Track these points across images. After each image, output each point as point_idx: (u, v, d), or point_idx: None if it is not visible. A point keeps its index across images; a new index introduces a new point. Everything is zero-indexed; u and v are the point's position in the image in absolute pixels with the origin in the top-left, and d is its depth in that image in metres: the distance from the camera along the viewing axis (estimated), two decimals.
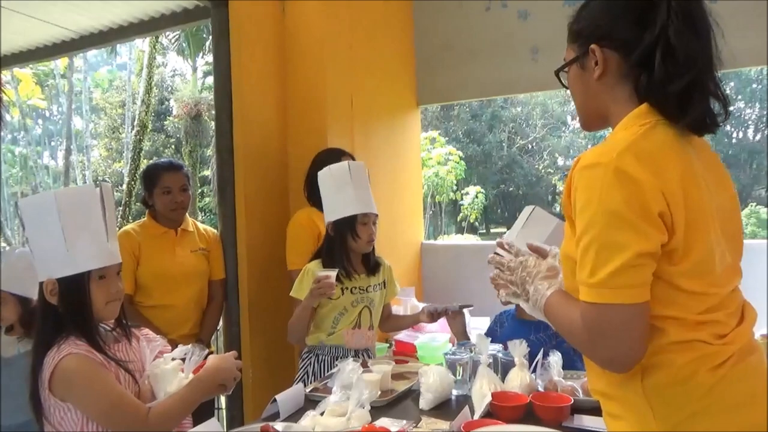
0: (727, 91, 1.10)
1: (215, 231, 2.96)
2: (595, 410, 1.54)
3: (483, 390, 1.78)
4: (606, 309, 0.98)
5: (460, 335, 2.38)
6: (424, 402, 1.82)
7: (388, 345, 3.15)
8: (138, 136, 13.74)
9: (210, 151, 15.62)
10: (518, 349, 1.88)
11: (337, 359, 2.23)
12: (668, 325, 1.01)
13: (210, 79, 15.98)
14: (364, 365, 2.03)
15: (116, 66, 21.82)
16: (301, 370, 2.36)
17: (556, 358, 1.90)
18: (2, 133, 15.10)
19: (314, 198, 2.63)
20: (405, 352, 2.91)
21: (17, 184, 18.91)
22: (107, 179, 17.46)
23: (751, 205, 16.14)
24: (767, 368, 1.07)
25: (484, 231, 20.30)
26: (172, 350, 1.67)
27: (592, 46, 1.11)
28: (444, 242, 7.66)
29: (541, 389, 1.83)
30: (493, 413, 1.69)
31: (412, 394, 1.94)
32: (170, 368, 1.59)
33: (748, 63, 3.24)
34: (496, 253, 1.33)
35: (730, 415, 1.00)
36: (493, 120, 19.90)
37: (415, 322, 2.58)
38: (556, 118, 20.51)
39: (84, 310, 1.52)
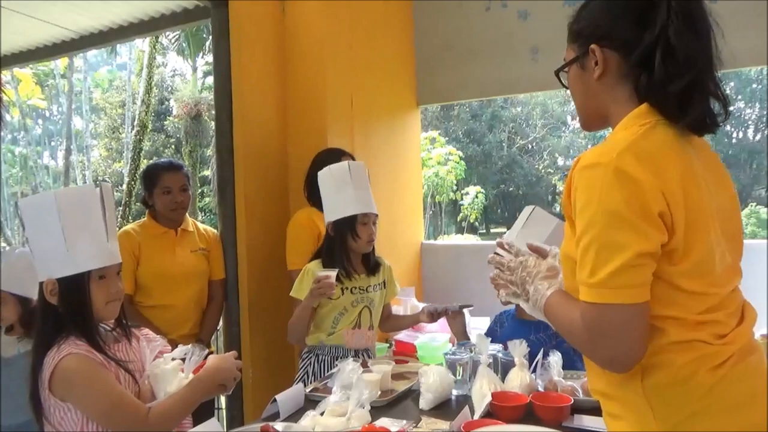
0: (727, 91, 1.10)
1: (215, 231, 2.96)
2: (595, 410, 1.54)
3: (483, 390, 1.78)
4: (606, 309, 0.98)
5: (460, 335, 2.38)
6: (424, 402, 1.82)
7: (388, 345, 3.15)
8: (138, 136, 13.74)
9: (210, 151, 15.62)
10: (518, 349, 1.88)
11: (337, 359, 2.23)
12: (668, 325, 1.01)
13: (210, 79, 15.99)
14: (364, 365, 2.03)
15: (116, 66, 21.82)
16: (301, 370, 2.36)
17: (556, 358, 1.90)
18: (2, 133, 15.10)
19: (314, 198, 2.63)
20: (405, 352, 2.91)
21: (17, 184, 18.92)
22: (107, 179, 17.46)
23: (751, 205, 16.14)
24: (767, 368, 1.07)
25: (484, 231, 20.30)
26: (172, 350, 1.67)
27: (592, 46, 1.11)
28: (444, 242, 7.66)
29: (541, 389, 1.83)
30: (493, 413, 1.69)
31: (412, 394, 1.94)
32: (170, 368, 1.59)
33: (748, 63, 3.24)
34: (496, 253, 1.33)
35: (730, 415, 1.00)
36: (493, 120, 19.91)
37: (415, 322, 2.58)
38: (556, 118, 20.52)
39: (84, 310, 1.52)
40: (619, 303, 0.97)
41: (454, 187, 14.02)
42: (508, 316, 2.35)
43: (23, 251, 2.06)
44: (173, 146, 18.39)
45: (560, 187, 19.80)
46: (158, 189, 2.69)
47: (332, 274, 2.19)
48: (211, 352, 1.79)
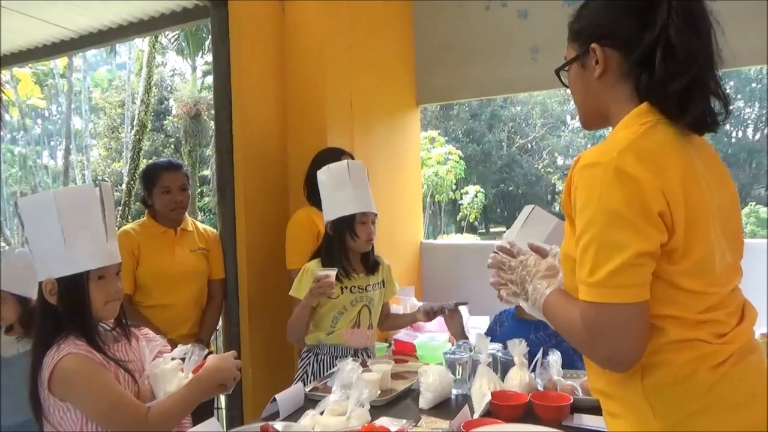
0: (727, 90, 1.09)
1: (215, 231, 2.96)
2: (595, 409, 1.54)
3: (482, 389, 1.78)
4: (605, 308, 0.98)
5: (458, 336, 2.39)
6: (424, 401, 1.82)
7: (387, 344, 3.16)
8: (137, 136, 13.73)
9: (209, 151, 15.61)
10: (518, 348, 1.88)
11: (336, 358, 2.24)
12: (668, 324, 1.01)
13: (209, 79, 15.98)
14: (364, 365, 2.03)
15: (115, 65, 21.81)
16: (301, 369, 2.36)
17: (555, 358, 1.90)
18: (1, 133, 15.11)
19: (314, 197, 2.63)
20: (404, 352, 2.91)
21: (16, 184, 18.91)
22: (107, 179, 17.45)
23: (751, 205, 16.15)
24: (767, 367, 1.07)
25: (484, 230, 20.29)
26: (172, 350, 1.67)
27: (593, 45, 1.11)
28: (443, 242, 7.66)
29: (540, 388, 1.83)
30: (492, 412, 1.69)
31: (412, 393, 1.94)
32: (170, 368, 1.59)
33: (747, 62, 3.24)
34: (495, 253, 1.33)
35: (729, 414, 1.00)
36: (492, 119, 19.90)
37: (412, 321, 2.58)
38: (556, 117, 20.51)
39: (83, 310, 1.52)
40: (618, 302, 0.97)
41: (454, 187, 14.02)
42: (508, 316, 2.35)
43: (23, 251, 2.06)
44: (173, 146, 18.38)
45: (560, 186, 19.80)
46: (158, 188, 2.68)
47: (332, 273, 2.19)
48: (210, 352, 1.79)
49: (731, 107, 1.10)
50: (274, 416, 1.74)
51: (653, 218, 0.96)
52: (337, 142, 2.97)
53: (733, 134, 19.55)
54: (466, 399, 1.87)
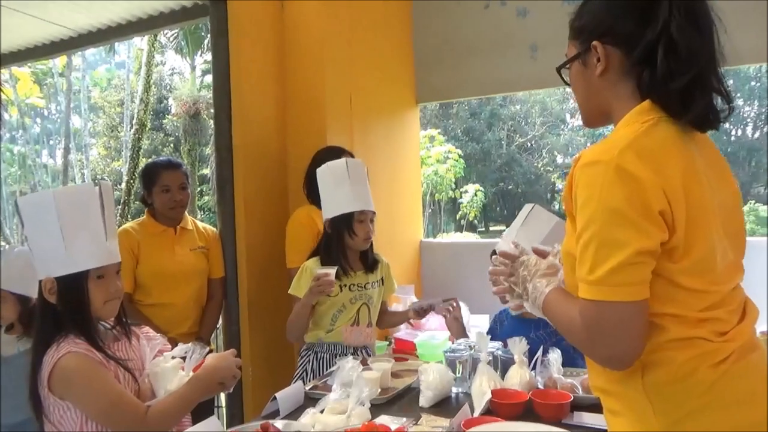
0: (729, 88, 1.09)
1: (214, 229, 2.96)
2: (595, 407, 1.54)
3: (483, 387, 1.78)
4: (605, 306, 0.98)
5: (459, 334, 2.39)
6: (424, 399, 1.82)
7: (387, 343, 3.16)
8: (137, 135, 13.72)
9: (209, 150, 15.60)
10: (518, 346, 1.88)
11: (336, 356, 2.24)
12: (668, 322, 1.01)
13: (209, 78, 15.96)
14: (364, 363, 2.03)
15: (115, 64, 21.78)
16: (300, 367, 2.36)
17: (555, 356, 1.90)
18: (1, 132, 15.09)
19: (314, 196, 2.63)
20: (405, 350, 2.92)
21: (16, 183, 18.89)
22: (106, 178, 17.44)
23: (750, 203, 16.15)
24: None
25: (483, 229, 20.30)
26: (172, 349, 1.67)
27: (594, 42, 1.11)
28: (443, 240, 7.66)
29: (540, 386, 1.84)
30: (492, 410, 1.70)
31: (412, 391, 1.94)
32: (170, 366, 1.59)
33: (748, 60, 3.24)
34: (494, 265, 1.33)
35: (729, 412, 1.00)
36: (492, 118, 19.89)
37: (405, 319, 2.60)
38: (555, 116, 20.51)
39: (82, 309, 1.52)
40: (618, 300, 0.96)
41: (453, 185, 14.03)
42: (508, 314, 2.36)
43: (22, 250, 2.06)
44: (172, 145, 18.37)
45: (559, 185, 19.81)
46: (157, 187, 2.68)
47: (331, 271, 2.19)
48: (211, 351, 1.79)
49: (733, 104, 1.10)
50: (275, 414, 1.74)
51: (654, 216, 0.96)
52: (337, 141, 2.97)
53: (733, 132, 19.55)
54: (466, 397, 1.87)
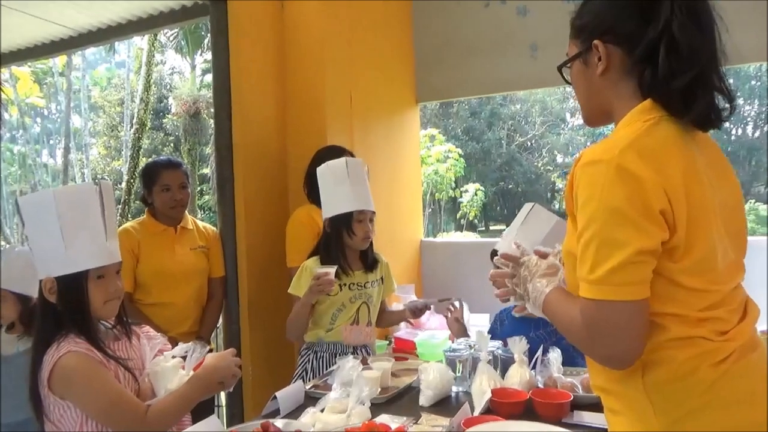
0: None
1: (215, 229, 2.96)
2: (595, 406, 1.55)
3: (483, 386, 1.78)
4: (605, 306, 0.98)
5: (459, 333, 2.40)
6: (424, 399, 1.82)
7: (387, 342, 3.16)
8: (137, 134, 13.73)
9: (209, 149, 15.60)
10: (518, 345, 1.88)
11: (335, 356, 2.24)
12: (669, 321, 1.01)
13: (209, 77, 15.97)
14: (364, 362, 2.03)
15: (115, 64, 21.78)
16: (300, 366, 2.36)
17: (555, 355, 1.90)
18: (1, 132, 15.09)
19: (314, 195, 2.63)
20: (405, 349, 2.92)
21: (16, 183, 18.90)
22: (106, 177, 17.43)
23: (750, 202, 16.16)
24: None
25: (484, 228, 20.30)
26: (172, 348, 1.67)
27: (596, 41, 1.10)
28: (443, 239, 7.66)
29: (540, 386, 1.84)
30: (492, 410, 1.70)
31: (412, 390, 1.94)
32: (170, 366, 1.59)
33: (748, 59, 3.24)
34: (496, 267, 1.33)
35: (729, 411, 1.00)
36: (492, 117, 19.89)
37: (402, 318, 2.60)
38: (555, 115, 20.50)
39: (82, 309, 1.52)
40: (618, 300, 0.96)
41: (453, 185, 14.04)
42: (508, 314, 2.36)
43: (23, 249, 2.06)
44: (172, 144, 18.37)
45: (559, 184, 19.81)
46: (157, 187, 2.68)
47: (331, 270, 2.19)
48: (211, 350, 1.79)
49: (735, 103, 1.09)
50: (275, 414, 1.74)
51: (654, 216, 0.96)
52: (337, 140, 2.97)
53: (733, 132, 19.55)
54: (466, 396, 1.87)
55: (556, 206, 18.50)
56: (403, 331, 3.17)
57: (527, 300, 1.23)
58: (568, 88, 1.21)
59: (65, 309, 1.51)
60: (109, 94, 19.68)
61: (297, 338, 2.42)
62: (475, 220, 17.81)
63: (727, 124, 1.10)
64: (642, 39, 1.05)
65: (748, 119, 19.68)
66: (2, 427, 1.94)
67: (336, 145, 2.83)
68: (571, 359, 1.96)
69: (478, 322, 3.09)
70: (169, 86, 19.66)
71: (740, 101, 18.60)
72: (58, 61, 15.65)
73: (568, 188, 1.07)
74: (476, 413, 1.66)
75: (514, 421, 1.60)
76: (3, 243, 14.02)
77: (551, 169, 20.65)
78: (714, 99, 1.06)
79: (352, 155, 2.68)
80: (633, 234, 0.95)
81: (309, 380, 2.19)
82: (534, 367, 1.90)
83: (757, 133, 19.60)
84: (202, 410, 1.63)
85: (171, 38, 17.35)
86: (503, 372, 1.90)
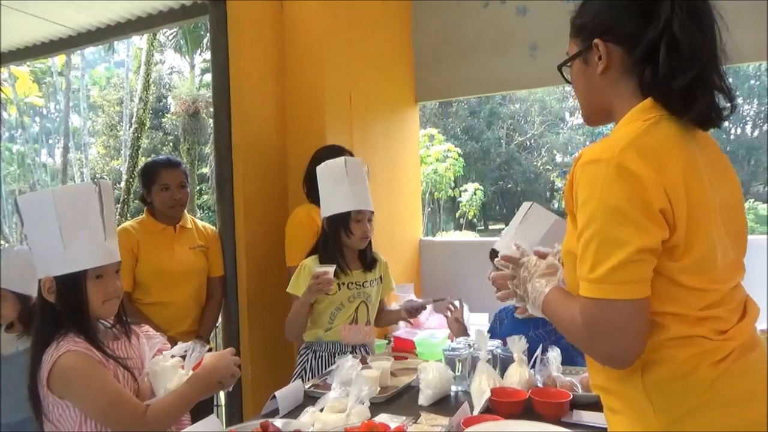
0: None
1: (214, 228, 2.96)
2: (594, 405, 1.55)
3: (482, 386, 1.78)
4: (606, 304, 0.97)
5: (459, 333, 2.40)
6: (424, 398, 1.82)
7: (387, 341, 3.16)
8: (136, 134, 13.72)
9: (208, 149, 15.60)
10: (517, 345, 1.88)
11: (334, 355, 2.24)
12: (669, 321, 1.01)
13: (208, 77, 15.95)
14: (363, 362, 2.03)
15: (114, 63, 21.75)
16: (299, 366, 2.36)
17: (555, 354, 1.90)
18: (0, 131, 15.08)
19: (313, 195, 2.63)
20: (404, 349, 2.92)
21: (15, 182, 18.87)
22: (105, 177, 17.43)
23: (750, 201, 16.17)
24: None
25: (483, 227, 20.30)
26: (171, 347, 1.67)
27: (596, 40, 1.10)
28: (442, 239, 7.66)
29: (540, 385, 1.84)
30: (492, 409, 1.70)
31: (412, 390, 1.94)
32: (170, 365, 1.59)
33: (748, 59, 3.24)
34: (497, 268, 1.33)
35: (729, 410, 1.00)
36: (491, 117, 19.90)
37: (399, 318, 2.61)
38: (555, 114, 20.51)
39: (81, 309, 1.52)
40: (619, 299, 0.96)
41: (453, 184, 14.05)
42: (508, 313, 2.36)
43: (22, 249, 2.06)
44: (171, 143, 18.36)
45: (559, 183, 19.81)
46: (156, 186, 2.68)
47: (330, 270, 2.19)
48: (210, 349, 1.79)
49: (736, 102, 1.09)
50: (274, 413, 1.74)
51: (654, 215, 0.96)
52: (336, 140, 2.97)
53: (732, 131, 19.56)
54: (465, 396, 1.87)
55: (556, 205, 18.51)
56: (402, 330, 3.17)
57: (527, 301, 1.23)
58: (568, 88, 1.21)
59: (64, 308, 1.51)
60: (108, 93, 19.67)
61: (296, 338, 2.42)
62: (475, 220, 17.82)
63: (726, 124, 1.10)
64: (642, 38, 1.05)
65: (747, 119, 19.69)
66: (2, 426, 1.94)
67: (335, 144, 2.83)
68: (570, 358, 1.96)
69: (478, 322, 3.09)
70: (168, 86, 19.66)
71: (739, 101, 18.61)
72: (57, 61, 15.64)
73: (567, 187, 1.07)
74: (475, 412, 1.66)
75: (514, 420, 1.60)
76: (2, 242, 14.02)
77: (550, 168, 20.66)
78: (714, 98, 1.06)
79: (351, 155, 2.68)
80: (633, 233, 0.95)
81: (308, 380, 2.19)
82: (533, 367, 1.90)
83: (756, 133, 19.62)
84: (201, 410, 1.63)
85: (170, 38, 17.35)
86: (502, 371, 1.90)
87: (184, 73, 20.04)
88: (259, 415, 1.76)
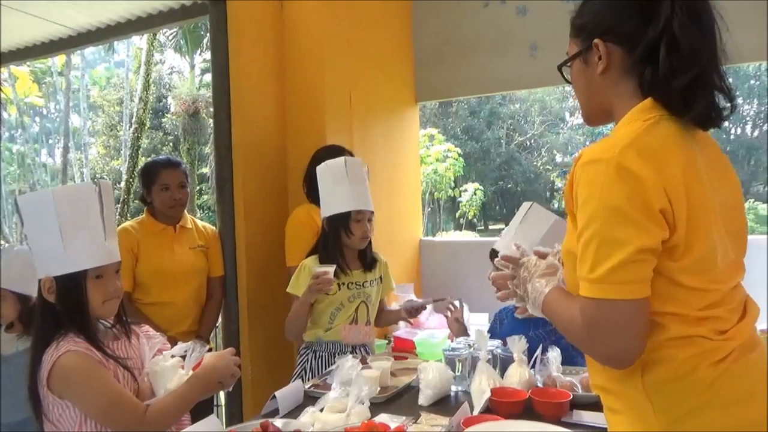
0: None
1: (214, 228, 2.96)
2: (594, 405, 1.55)
3: (482, 386, 1.78)
4: (606, 304, 0.97)
5: (460, 333, 2.40)
6: (424, 398, 1.82)
7: (387, 341, 3.16)
8: (136, 134, 13.72)
9: (208, 149, 15.60)
10: (517, 345, 1.88)
11: (334, 355, 2.24)
12: (669, 321, 1.01)
13: (208, 77, 15.95)
14: (363, 362, 2.03)
15: (114, 63, 21.75)
16: (299, 366, 2.36)
17: (555, 354, 1.90)
18: (0, 131, 15.08)
19: (313, 194, 2.63)
20: (404, 349, 2.92)
21: (15, 182, 18.87)
22: (105, 177, 17.43)
23: (750, 201, 16.17)
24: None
25: (483, 227, 20.31)
26: (171, 347, 1.67)
27: (596, 40, 1.10)
28: (442, 239, 7.66)
29: (540, 385, 1.84)
30: (492, 409, 1.70)
31: (412, 390, 1.94)
32: (170, 365, 1.59)
33: (748, 59, 3.24)
34: (497, 268, 1.33)
35: (729, 410, 1.00)
36: (491, 117, 19.89)
37: (398, 318, 2.61)
38: (555, 114, 20.51)
39: (81, 309, 1.52)
40: (619, 298, 0.96)
41: (453, 184, 14.05)
42: (508, 313, 2.36)
43: (22, 249, 2.06)
44: (171, 143, 18.36)
45: (558, 183, 19.81)
46: (156, 186, 2.68)
47: (330, 269, 2.19)
48: (210, 349, 1.78)
49: (736, 102, 1.09)
50: (274, 413, 1.74)
51: (654, 215, 0.96)
52: (336, 140, 2.97)
53: (732, 131, 19.56)
54: (465, 396, 1.87)
55: (555, 205, 18.50)
56: (402, 330, 3.17)
57: (527, 301, 1.23)
58: (568, 88, 1.21)
59: (64, 308, 1.51)
60: (108, 93, 19.67)
61: (296, 337, 2.42)
62: (474, 220, 17.82)
63: (726, 124, 1.10)
64: (642, 38, 1.05)
65: (747, 119, 19.69)
66: (2, 426, 1.94)
67: (335, 144, 2.83)
68: (570, 358, 1.96)
69: (478, 322, 3.09)
70: (168, 86, 19.66)
71: (739, 100, 18.60)
72: (57, 61, 15.64)
73: (567, 187, 1.07)
74: (475, 412, 1.66)
75: (514, 420, 1.60)
76: (2, 242, 14.02)
77: (550, 168, 20.66)
78: (714, 98, 1.06)
79: (351, 155, 2.68)
80: (633, 232, 0.95)
81: (308, 380, 2.19)
82: (533, 367, 1.90)
83: (756, 133, 19.62)
84: (201, 410, 1.63)
85: (170, 38, 17.35)
86: (502, 371, 1.90)
87: (184, 73, 20.04)
88: (259, 415, 1.76)
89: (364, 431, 1.48)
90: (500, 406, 1.69)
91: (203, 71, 18.34)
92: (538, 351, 1.92)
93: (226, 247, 2.91)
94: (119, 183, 14.60)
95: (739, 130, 19.97)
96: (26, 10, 3.33)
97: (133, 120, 14.11)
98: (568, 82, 1.20)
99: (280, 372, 2.86)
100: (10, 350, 2.03)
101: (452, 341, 2.21)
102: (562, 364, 1.90)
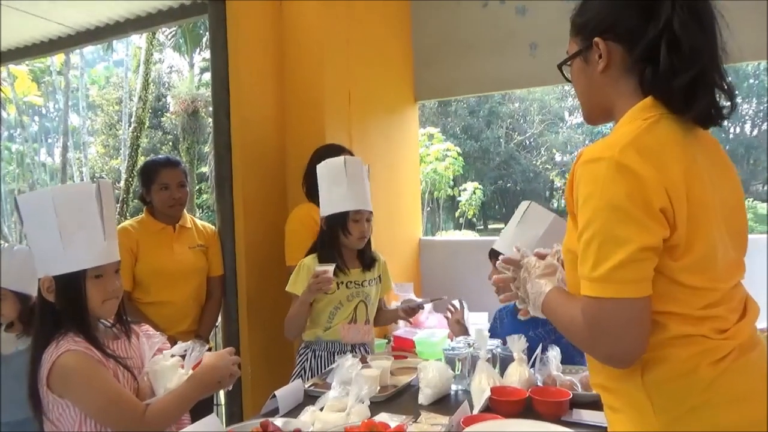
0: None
1: (213, 227, 2.96)
2: (594, 404, 1.55)
3: (482, 385, 1.78)
4: (608, 303, 0.97)
5: (460, 332, 2.40)
6: (424, 397, 1.82)
7: (386, 341, 3.16)
8: (135, 133, 13.70)
9: (207, 148, 15.58)
10: (517, 344, 1.88)
11: (334, 354, 2.24)
12: (669, 320, 1.01)
13: (207, 76, 15.92)
14: (363, 361, 2.03)
15: (113, 62, 21.71)
16: (298, 365, 2.37)
17: (554, 353, 1.90)
18: None
19: (313, 194, 2.63)
20: (404, 348, 2.92)
21: (14, 181, 18.85)
22: (105, 176, 17.42)
23: (749, 200, 16.17)
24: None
25: (482, 227, 20.30)
26: (171, 347, 1.67)
27: (596, 39, 1.10)
28: (442, 238, 7.66)
29: (539, 384, 1.84)
30: (492, 408, 1.70)
31: (412, 389, 1.94)
32: (169, 365, 1.59)
33: (748, 58, 3.24)
34: (500, 270, 1.33)
35: (729, 409, 1.00)
36: (490, 116, 19.88)
37: (396, 317, 2.61)
38: (554, 114, 20.50)
39: (80, 308, 1.52)
40: (621, 297, 0.96)
41: (452, 183, 14.04)
42: (508, 313, 2.36)
43: (22, 248, 2.07)
44: (171, 143, 18.34)
45: (558, 182, 19.81)
46: (156, 185, 2.68)
47: (330, 268, 2.19)
48: (210, 349, 1.78)
49: (737, 100, 1.09)
50: (274, 412, 1.74)
51: (655, 213, 0.96)
52: (335, 139, 2.97)
53: (731, 130, 19.56)
54: (465, 395, 1.88)
55: (555, 204, 18.51)
56: (402, 329, 3.17)
57: (528, 302, 1.23)
58: (567, 87, 1.21)
59: (63, 308, 1.51)
60: (107, 92, 19.64)
61: (295, 337, 2.42)
62: (474, 219, 17.82)
63: (725, 123, 1.10)
64: (643, 37, 1.05)
65: (747, 118, 19.68)
66: (2, 426, 1.94)
67: (335, 143, 2.82)
68: (570, 357, 1.97)
69: (478, 321, 3.09)
70: (167, 85, 19.63)
71: (738, 100, 18.56)
72: (56, 60, 15.61)
73: (568, 186, 1.07)
74: (475, 411, 1.66)
75: (514, 419, 1.60)
76: (2, 242, 14.01)
77: (550, 167, 20.65)
78: (715, 97, 1.06)
79: (351, 154, 2.68)
80: (635, 231, 0.95)
81: (308, 379, 2.19)
82: (533, 366, 1.91)
83: (755, 132, 19.61)
84: (201, 409, 1.63)
85: (169, 37, 17.33)
86: (502, 370, 1.90)
87: (184, 72, 20.02)
88: (259, 415, 1.76)
89: (364, 430, 1.48)
90: (500, 405, 1.69)
91: (202, 70, 18.32)
92: (538, 350, 1.92)
93: (226, 247, 2.91)
94: (118, 182, 14.59)
95: (738, 129, 19.96)
96: (25, 9, 3.32)
97: (133, 119, 14.09)
98: (568, 80, 1.20)
99: (279, 371, 2.86)
100: (10, 350, 2.04)
101: (452, 340, 2.21)
102: (562, 363, 1.90)
